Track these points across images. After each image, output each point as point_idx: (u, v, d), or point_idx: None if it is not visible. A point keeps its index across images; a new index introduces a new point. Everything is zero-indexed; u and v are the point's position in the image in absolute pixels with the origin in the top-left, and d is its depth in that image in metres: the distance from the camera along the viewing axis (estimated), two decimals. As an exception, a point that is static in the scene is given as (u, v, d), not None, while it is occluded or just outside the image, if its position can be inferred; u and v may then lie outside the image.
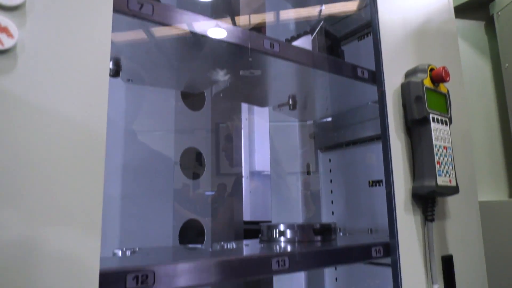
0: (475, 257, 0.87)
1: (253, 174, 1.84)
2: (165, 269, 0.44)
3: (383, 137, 0.73)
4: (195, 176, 1.07)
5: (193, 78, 0.76)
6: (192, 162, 1.07)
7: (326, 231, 0.73)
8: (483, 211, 1.12)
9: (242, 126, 1.69)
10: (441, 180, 0.70)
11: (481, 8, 1.29)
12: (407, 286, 0.67)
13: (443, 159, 0.72)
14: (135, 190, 0.91)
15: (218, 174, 1.13)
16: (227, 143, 1.17)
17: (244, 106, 1.87)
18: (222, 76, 0.71)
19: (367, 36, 1.02)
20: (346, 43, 1.07)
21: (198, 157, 1.08)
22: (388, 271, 0.70)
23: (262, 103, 0.89)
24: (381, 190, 0.90)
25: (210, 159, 1.10)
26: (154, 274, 0.43)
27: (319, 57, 0.73)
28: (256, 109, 1.87)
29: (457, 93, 0.88)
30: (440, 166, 0.71)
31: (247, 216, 1.39)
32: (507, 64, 1.19)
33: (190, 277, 0.46)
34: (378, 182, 1.00)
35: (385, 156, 0.72)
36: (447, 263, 0.77)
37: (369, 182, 1.03)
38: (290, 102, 0.83)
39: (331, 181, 1.14)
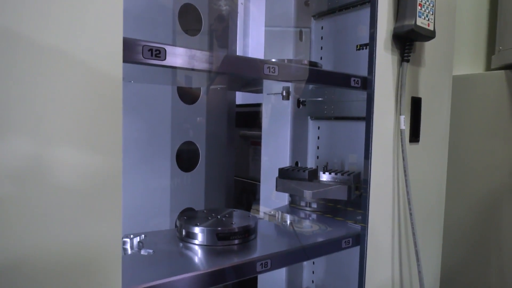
0: (442, 105, 0.98)
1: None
2: (174, 49, 0.53)
3: (372, -21, 0.77)
4: (192, 33, 1.12)
5: None
6: (190, 19, 1.11)
7: (313, 65, 0.82)
8: (459, 85, 1.21)
9: (238, 11, 1.69)
10: (420, 22, 0.77)
11: None
12: (378, 111, 0.79)
13: (425, 2, 0.78)
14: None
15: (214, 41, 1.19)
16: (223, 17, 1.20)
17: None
18: None
19: None
20: None
21: (197, 15, 1.13)
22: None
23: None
24: (367, 53, 0.98)
25: (207, 19, 1.14)
26: (165, 51, 0.52)
27: None
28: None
29: None
30: (421, 8, 0.77)
31: (239, 100, 1.48)
32: None
33: (195, 62, 0.55)
34: (365, 45, 1.06)
35: (372, -3, 0.77)
36: (416, 103, 0.88)
37: (357, 46, 1.10)
38: None
39: (321, 48, 1.20)
